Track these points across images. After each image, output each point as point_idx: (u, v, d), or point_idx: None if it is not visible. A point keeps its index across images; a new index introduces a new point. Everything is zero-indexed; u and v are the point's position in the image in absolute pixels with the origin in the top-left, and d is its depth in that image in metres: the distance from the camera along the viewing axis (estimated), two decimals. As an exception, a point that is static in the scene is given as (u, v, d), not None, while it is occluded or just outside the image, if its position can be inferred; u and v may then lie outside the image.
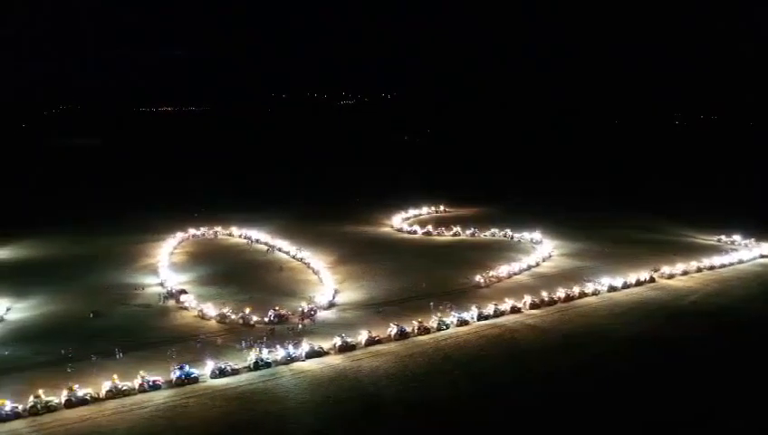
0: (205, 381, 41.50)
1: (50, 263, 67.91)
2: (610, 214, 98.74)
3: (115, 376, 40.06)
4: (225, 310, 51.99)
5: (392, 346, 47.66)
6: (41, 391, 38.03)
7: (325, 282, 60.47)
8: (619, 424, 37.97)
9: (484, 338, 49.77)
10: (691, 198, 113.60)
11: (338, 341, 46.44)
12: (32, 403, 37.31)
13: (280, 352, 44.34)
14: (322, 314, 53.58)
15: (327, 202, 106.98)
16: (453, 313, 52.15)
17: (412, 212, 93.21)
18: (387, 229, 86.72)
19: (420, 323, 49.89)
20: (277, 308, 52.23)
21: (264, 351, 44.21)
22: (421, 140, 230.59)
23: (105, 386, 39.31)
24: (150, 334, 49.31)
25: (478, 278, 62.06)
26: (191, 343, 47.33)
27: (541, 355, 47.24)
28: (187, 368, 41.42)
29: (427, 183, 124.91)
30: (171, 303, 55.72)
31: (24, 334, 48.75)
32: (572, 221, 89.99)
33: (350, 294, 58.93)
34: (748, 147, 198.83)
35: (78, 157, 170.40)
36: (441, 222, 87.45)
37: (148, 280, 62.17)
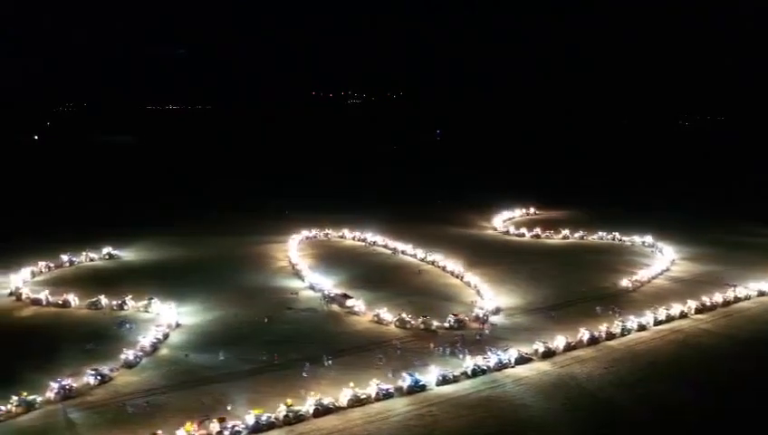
0: (432, 389, 41.02)
1: (181, 265, 66.72)
2: (699, 215, 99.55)
3: (352, 384, 39.43)
4: (404, 314, 51.42)
5: (589, 352, 47.49)
6: (289, 400, 37.39)
7: (479, 286, 60.00)
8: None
9: (673, 343, 49.84)
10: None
11: (540, 346, 46.18)
12: (284, 413, 36.61)
13: (492, 359, 44.01)
14: (494, 320, 53.21)
15: (408, 203, 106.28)
16: (631, 317, 52.15)
17: (507, 214, 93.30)
18: (490, 231, 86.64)
19: (608, 328, 49.85)
20: (456, 313, 51.88)
21: (479, 357, 43.86)
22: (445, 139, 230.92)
23: (345, 394, 38.69)
24: (336, 340, 48.51)
25: (625, 283, 62.21)
26: (388, 348, 46.75)
27: (727, 361, 47.19)
28: (416, 375, 40.94)
29: (494, 183, 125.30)
30: (335, 307, 55.11)
31: (212, 340, 47.76)
32: (667, 222, 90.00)
33: (505, 298, 58.53)
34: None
35: (124, 155, 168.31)
36: (541, 224, 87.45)
37: (293, 283, 61.48)
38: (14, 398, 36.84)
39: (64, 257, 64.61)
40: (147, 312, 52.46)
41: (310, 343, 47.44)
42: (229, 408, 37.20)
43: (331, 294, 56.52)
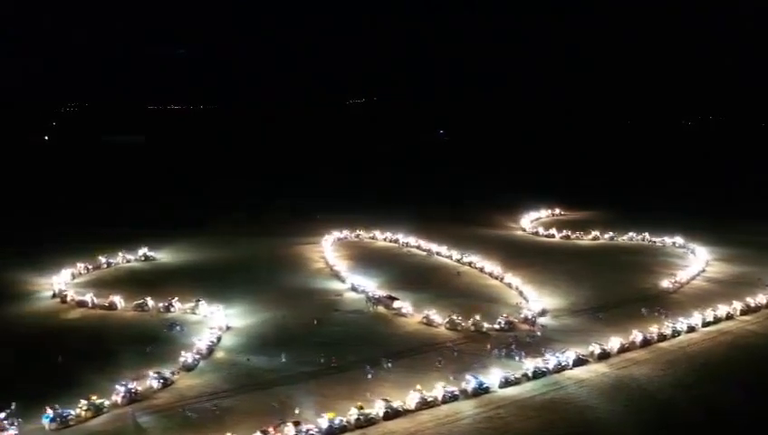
0: (495, 392, 40.92)
1: (219, 266, 66.36)
2: (720, 216, 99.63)
3: (419, 386, 39.32)
4: (455, 316, 51.28)
5: (642, 353, 47.45)
6: (359, 403, 37.24)
7: (520, 288, 59.92)
8: None
9: (723, 344, 49.87)
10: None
11: (596, 348, 46.18)
12: (356, 416, 36.45)
13: (551, 361, 43.97)
14: (541, 321, 53.05)
15: (430, 202, 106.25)
16: (680, 319, 52.19)
17: (534, 215, 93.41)
18: (519, 232, 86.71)
19: (659, 329, 49.88)
20: (506, 315, 51.82)
21: (538, 359, 43.81)
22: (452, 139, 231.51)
23: (413, 397, 38.54)
24: (387, 342, 48.18)
25: (666, 284, 62.27)
26: (444, 350, 46.61)
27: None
28: (480, 378, 40.85)
29: (497, 183, 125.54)
30: (381, 309, 54.92)
31: (265, 341, 47.45)
32: (689, 222, 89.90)
33: (548, 299, 58.38)
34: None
35: (134, 155, 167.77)
36: (569, 225, 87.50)
37: (334, 285, 61.30)
38: (83, 402, 36.54)
39: (102, 259, 64.26)
40: (194, 314, 52.14)
41: (362, 346, 47.19)
42: (297, 411, 36.99)
43: (377, 296, 56.33)
